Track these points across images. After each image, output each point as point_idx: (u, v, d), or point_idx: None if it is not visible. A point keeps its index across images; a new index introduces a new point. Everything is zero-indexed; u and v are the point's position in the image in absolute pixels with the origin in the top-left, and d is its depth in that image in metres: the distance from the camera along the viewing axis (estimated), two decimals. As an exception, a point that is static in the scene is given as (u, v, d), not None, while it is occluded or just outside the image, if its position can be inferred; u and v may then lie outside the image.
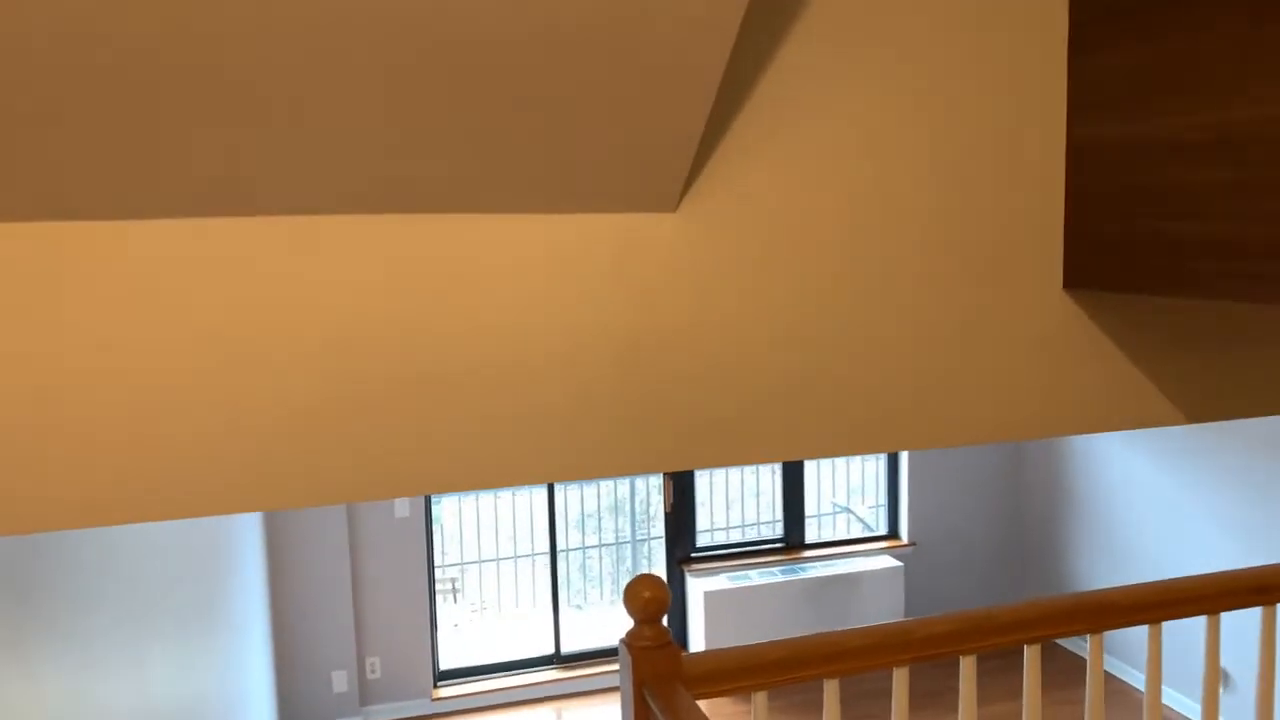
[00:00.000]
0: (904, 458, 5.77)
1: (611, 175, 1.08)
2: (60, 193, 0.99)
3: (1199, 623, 1.95)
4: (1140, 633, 4.67)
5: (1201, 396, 1.32)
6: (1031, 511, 5.82)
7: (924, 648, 1.62)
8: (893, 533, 5.85)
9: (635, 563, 6.06)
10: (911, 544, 5.74)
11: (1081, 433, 1.30)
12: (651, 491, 5.77)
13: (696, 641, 5.35)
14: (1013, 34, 1.21)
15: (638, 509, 6.06)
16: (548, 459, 1.17)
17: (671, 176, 1.10)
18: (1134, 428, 1.30)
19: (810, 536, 5.79)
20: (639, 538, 6.01)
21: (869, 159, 1.20)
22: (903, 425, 1.25)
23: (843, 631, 1.55)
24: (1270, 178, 0.95)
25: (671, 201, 1.14)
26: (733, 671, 1.44)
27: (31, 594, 1.34)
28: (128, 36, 0.86)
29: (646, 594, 1.38)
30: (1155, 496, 4.90)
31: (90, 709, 1.63)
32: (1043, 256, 1.24)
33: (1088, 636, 1.70)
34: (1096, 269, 1.19)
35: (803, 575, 5.41)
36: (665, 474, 5.47)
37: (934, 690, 4.76)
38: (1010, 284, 1.24)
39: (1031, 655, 1.69)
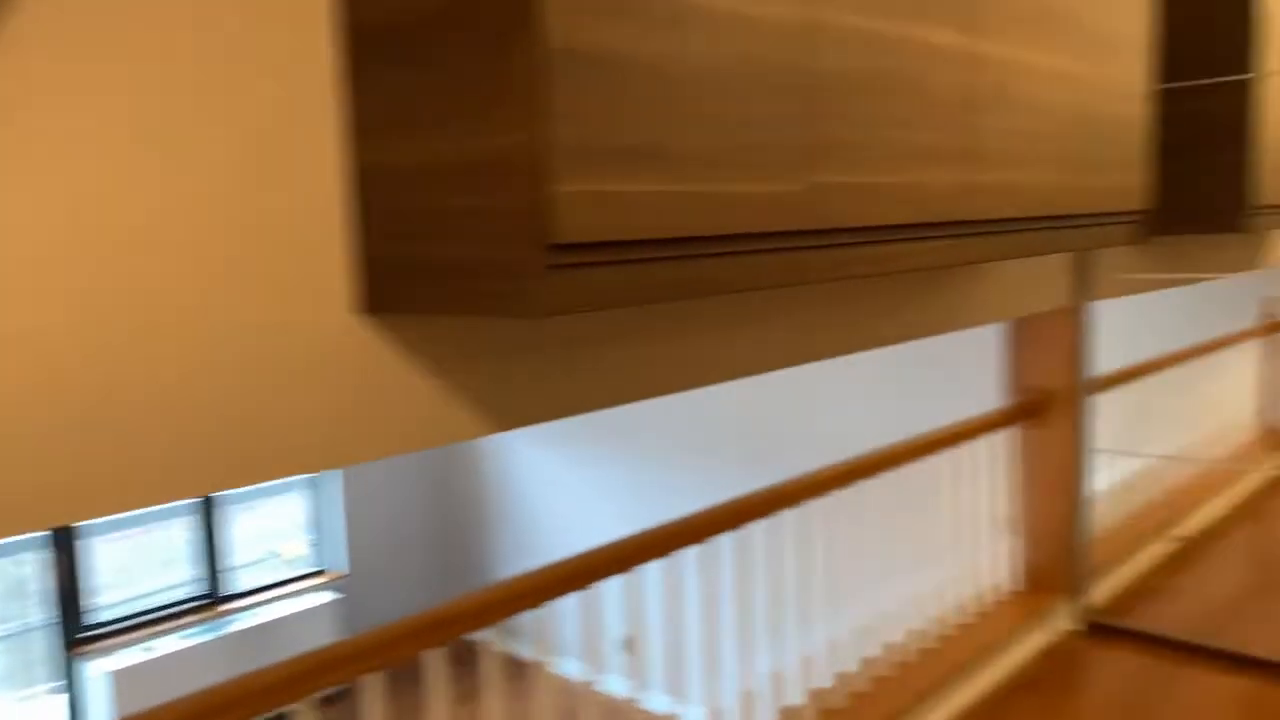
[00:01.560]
0: (340, 485, 5.65)
1: None
2: None
3: (606, 597, 2.12)
4: (561, 625, 5.05)
5: (507, 407, 1.40)
6: (463, 515, 6.04)
7: (319, 677, 1.55)
8: (327, 566, 5.69)
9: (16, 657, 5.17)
10: (346, 574, 5.63)
11: (392, 455, 1.31)
12: (29, 568, 4.94)
13: (105, 731, 4.71)
14: (294, 49, 1.16)
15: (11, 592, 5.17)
16: None
17: None
18: (444, 443, 1.34)
19: (238, 587, 5.41)
20: (18, 629, 5.13)
21: (126, 186, 1.08)
22: (200, 465, 1.15)
23: (223, 684, 1.42)
24: (486, 202, 1.01)
25: None
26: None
27: None
28: None
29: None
30: (563, 488, 5.35)
31: None
32: (335, 282, 1.22)
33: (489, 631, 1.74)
34: (383, 293, 1.20)
35: (229, 630, 5.03)
36: (52, 545, 4.72)
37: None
38: (304, 312, 1.20)
39: (436, 659, 1.72)
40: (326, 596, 5.38)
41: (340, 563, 5.64)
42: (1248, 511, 3.69)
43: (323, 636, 5.27)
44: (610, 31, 1.00)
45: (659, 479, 4.91)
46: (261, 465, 1.21)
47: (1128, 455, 3.23)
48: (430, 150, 1.09)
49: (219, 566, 5.24)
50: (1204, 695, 2.52)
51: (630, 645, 2.03)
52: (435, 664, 1.62)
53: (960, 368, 3.82)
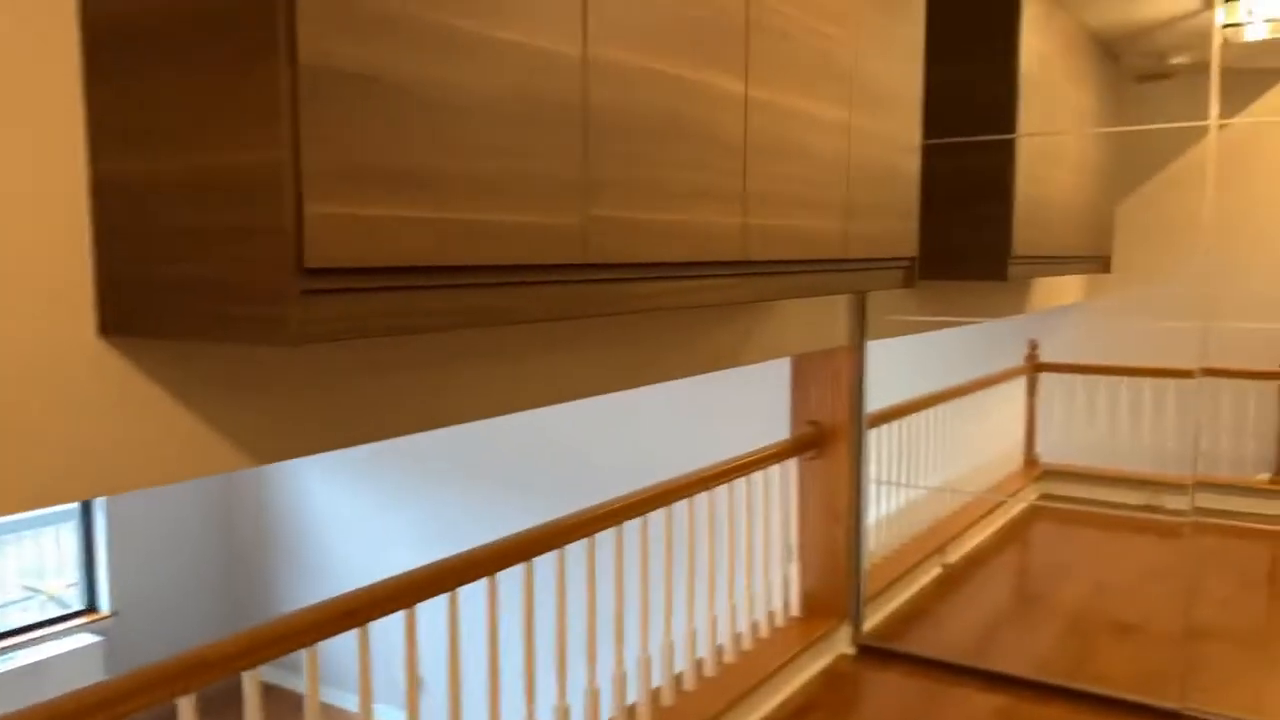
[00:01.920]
0: (100, 519, 5.24)
1: None
2: None
3: (398, 637, 2.03)
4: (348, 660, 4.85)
5: (269, 438, 1.33)
6: (246, 549, 5.73)
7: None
8: (91, 606, 5.26)
9: None
10: (113, 614, 5.22)
11: (143, 487, 1.22)
12: None
13: None
14: (24, 55, 1.08)
15: None
16: None
17: None
18: (199, 475, 1.26)
19: (-9, 629, 4.93)
20: None
21: None
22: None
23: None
24: (236, 222, 0.97)
25: None
26: None
27: None
28: None
29: None
30: (355, 517, 5.17)
31: None
32: (74, 303, 1.13)
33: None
34: (132, 314, 1.12)
35: (-24, 677, 4.57)
36: None
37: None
38: (44, 333, 1.10)
39: (187, 705, 1.58)
40: (90, 638, 4.98)
41: (103, 602, 5.23)
42: (1009, 538, 3.97)
43: (89, 678, 4.86)
44: (373, 52, 0.98)
45: (453, 509, 4.82)
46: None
47: (901, 486, 3.42)
48: (176, 164, 1.03)
49: (-34, 607, 4.76)
50: (966, 713, 2.68)
51: (412, 679, 1.97)
52: (186, 710, 1.51)
53: (763, 399, 3.95)
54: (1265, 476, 3.49)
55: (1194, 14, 2.88)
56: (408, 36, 1.02)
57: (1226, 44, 2.81)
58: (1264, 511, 3.50)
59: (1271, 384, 3.52)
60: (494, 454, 4.70)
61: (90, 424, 1.15)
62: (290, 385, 1.35)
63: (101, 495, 1.19)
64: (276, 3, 0.90)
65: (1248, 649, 3.01)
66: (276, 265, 0.94)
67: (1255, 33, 3.09)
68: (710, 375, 2.50)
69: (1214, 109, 2.73)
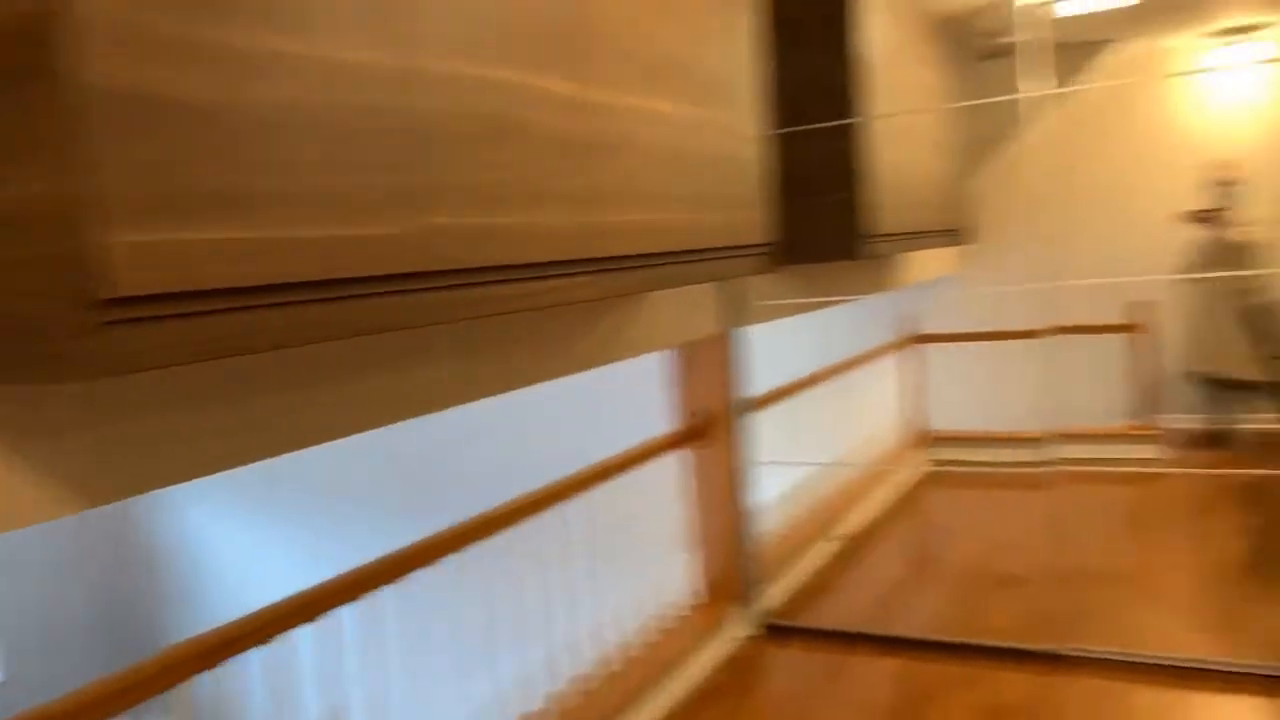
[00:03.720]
0: (-17, 582, 5.00)
1: None
2: None
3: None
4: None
5: (97, 476, 1.30)
6: (135, 590, 5.57)
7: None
8: (-19, 672, 5.02)
9: None
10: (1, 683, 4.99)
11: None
12: None
13: None
14: None
15: None
16: None
17: None
18: (20, 526, 1.23)
19: None
20: None
21: None
22: None
23: None
24: (26, 254, 0.94)
25: None
26: None
27: None
28: None
29: None
30: (238, 546, 5.13)
31: None
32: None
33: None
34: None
35: None
36: None
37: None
38: None
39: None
40: (-15, 705, 4.75)
41: None
42: (899, 506, 4.10)
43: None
44: (165, 74, 0.97)
45: (343, 527, 4.77)
46: None
47: (790, 465, 3.50)
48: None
49: None
50: (865, 678, 2.75)
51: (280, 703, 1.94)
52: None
53: (647, 393, 3.99)
54: (1125, 423, 3.69)
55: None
56: (200, 56, 1.01)
57: (1054, 20, 2.96)
58: (1129, 456, 3.69)
59: (1124, 336, 3.71)
60: (381, 469, 4.66)
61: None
62: (122, 418, 1.32)
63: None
64: (54, 23, 0.88)
65: (1123, 587, 3.17)
66: (67, 298, 0.93)
67: (1076, 7, 3.27)
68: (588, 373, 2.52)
69: (1051, 80, 2.87)
